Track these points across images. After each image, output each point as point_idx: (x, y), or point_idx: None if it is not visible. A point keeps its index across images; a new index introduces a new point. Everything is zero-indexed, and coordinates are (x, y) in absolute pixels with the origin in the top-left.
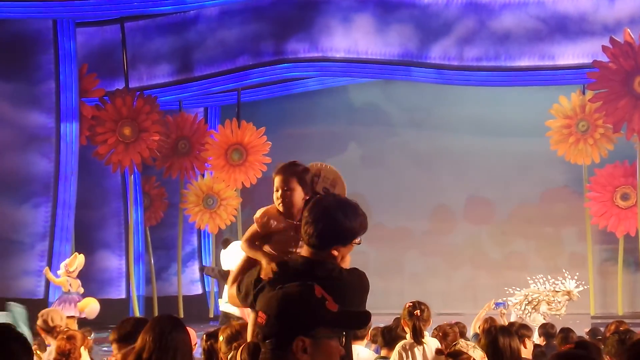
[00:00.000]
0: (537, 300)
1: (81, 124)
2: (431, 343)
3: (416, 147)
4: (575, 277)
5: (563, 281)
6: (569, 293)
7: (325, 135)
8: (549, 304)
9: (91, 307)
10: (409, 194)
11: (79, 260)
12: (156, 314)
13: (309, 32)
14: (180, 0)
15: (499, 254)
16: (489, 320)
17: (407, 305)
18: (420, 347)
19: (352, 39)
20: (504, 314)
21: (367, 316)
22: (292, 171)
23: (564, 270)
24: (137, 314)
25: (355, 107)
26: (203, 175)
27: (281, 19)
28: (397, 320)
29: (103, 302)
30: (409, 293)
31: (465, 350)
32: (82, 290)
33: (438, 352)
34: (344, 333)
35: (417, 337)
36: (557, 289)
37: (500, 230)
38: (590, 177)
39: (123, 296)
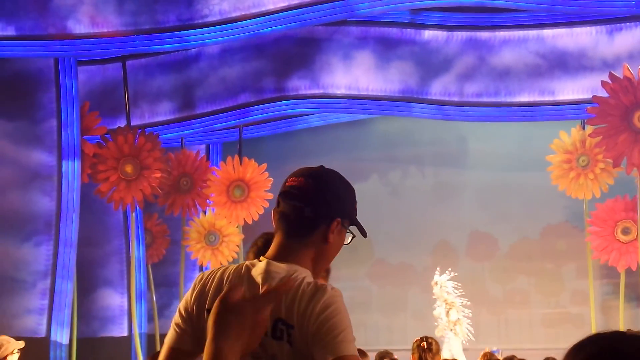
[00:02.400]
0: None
1: (83, 162)
2: None
3: (418, 183)
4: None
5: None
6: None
7: None
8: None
9: None
10: (411, 229)
11: None
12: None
13: (310, 69)
14: (181, 38)
15: (500, 290)
16: (487, 355)
17: (415, 340)
18: None
19: (353, 75)
20: None
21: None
22: None
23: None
24: (139, 352)
25: (357, 143)
26: (205, 212)
27: (282, 56)
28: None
29: (105, 340)
30: (412, 329)
31: None
32: None
33: None
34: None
35: None
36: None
37: (501, 267)
38: (591, 211)
39: (125, 334)
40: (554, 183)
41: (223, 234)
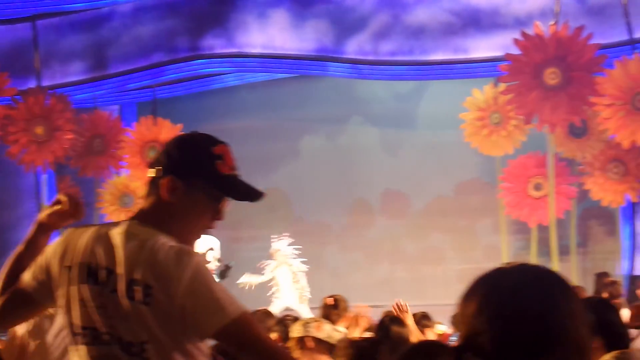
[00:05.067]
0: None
1: None
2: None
3: (333, 141)
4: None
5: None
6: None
7: (244, 131)
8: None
9: None
10: (328, 188)
11: None
12: None
13: (225, 28)
14: None
15: (416, 248)
16: (386, 312)
17: (324, 298)
18: None
19: (269, 34)
20: None
21: (260, 193)
22: None
23: None
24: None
25: (274, 102)
26: (119, 174)
27: (196, 14)
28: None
29: None
30: (329, 287)
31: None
32: None
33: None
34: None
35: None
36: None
37: (416, 224)
38: (503, 168)
39: None
40: (467, 140)
41: (137, 196)
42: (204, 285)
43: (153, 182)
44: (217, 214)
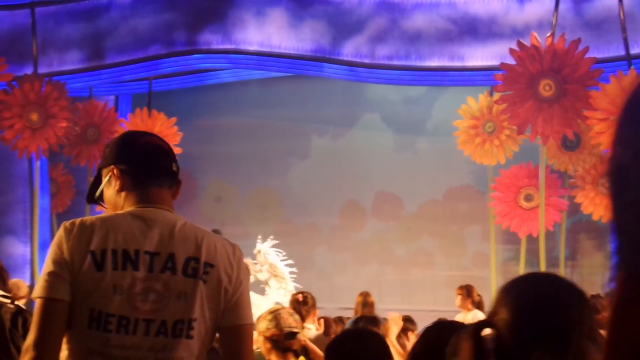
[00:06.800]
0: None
1: None
2: (311, 333)
3: (326, 143)
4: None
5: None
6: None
7: (236, 128)
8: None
9: None
10: (321, 188)
11: None
12: None
13: (223, 24)
14: None
15: (405, 250)
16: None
17: (292, 294)
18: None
19: (266, 32)
20: None
21: None
22: None
23: None
24: None
25: (267, 101)
26: None
27: (194, 9)
28: None
29: None
30: (317, 288)
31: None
32: None
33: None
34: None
35: None
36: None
37: (406, 227)
38: (495, 177)
39: (27, 283)
40: (460, 148)
41: None
42: (246, 283)
43: (173, 176)
44: None
